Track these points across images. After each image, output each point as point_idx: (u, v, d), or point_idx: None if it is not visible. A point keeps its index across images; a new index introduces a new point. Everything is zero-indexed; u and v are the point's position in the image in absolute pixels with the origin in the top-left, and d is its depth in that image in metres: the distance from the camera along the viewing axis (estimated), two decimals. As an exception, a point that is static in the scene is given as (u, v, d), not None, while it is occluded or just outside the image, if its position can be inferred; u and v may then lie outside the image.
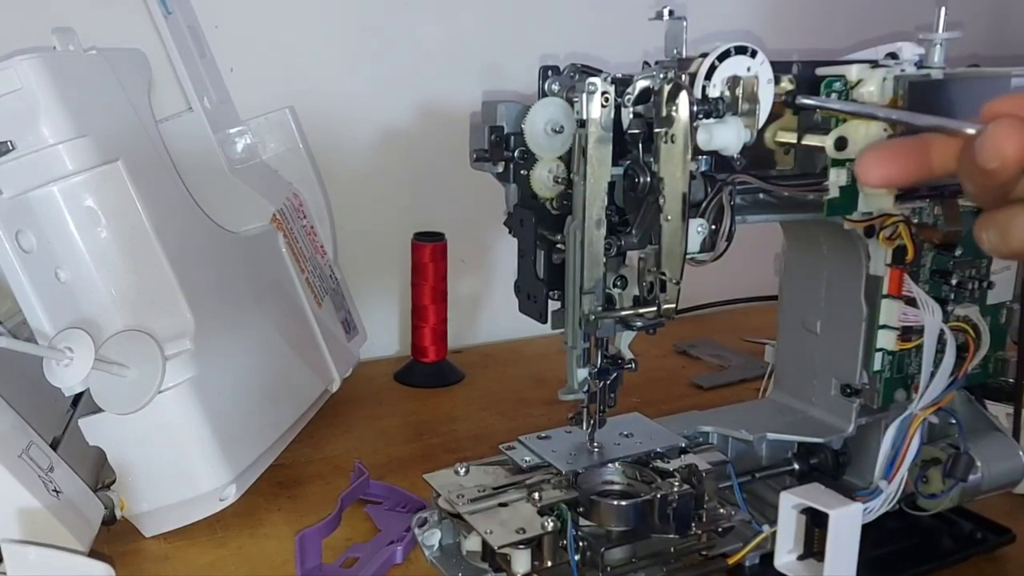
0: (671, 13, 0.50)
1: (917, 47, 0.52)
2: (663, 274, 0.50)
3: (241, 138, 0.81)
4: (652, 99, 0.47)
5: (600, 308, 0.51)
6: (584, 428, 0.58)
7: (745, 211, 0.52)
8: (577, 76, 0.50)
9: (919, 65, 0.52)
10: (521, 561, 0.51)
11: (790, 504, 0.53)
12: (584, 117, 0.48)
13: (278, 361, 0.71)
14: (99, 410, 0.58)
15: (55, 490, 0.55)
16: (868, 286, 0.57)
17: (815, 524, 0.52)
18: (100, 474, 0.64)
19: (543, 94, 0.52)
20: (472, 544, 0.55)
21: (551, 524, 0.52)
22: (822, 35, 1.16)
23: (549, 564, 0.52)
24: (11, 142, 0.55)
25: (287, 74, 0.89)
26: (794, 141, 0.51)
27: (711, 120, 0.47)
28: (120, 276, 0.57)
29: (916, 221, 0.56)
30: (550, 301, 0.54)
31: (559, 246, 0.52)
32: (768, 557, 0.55)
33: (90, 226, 0.56)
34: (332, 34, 0.91)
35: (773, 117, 0.50)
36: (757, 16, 1.11)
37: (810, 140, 0.50)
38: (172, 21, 0.74)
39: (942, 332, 0.56)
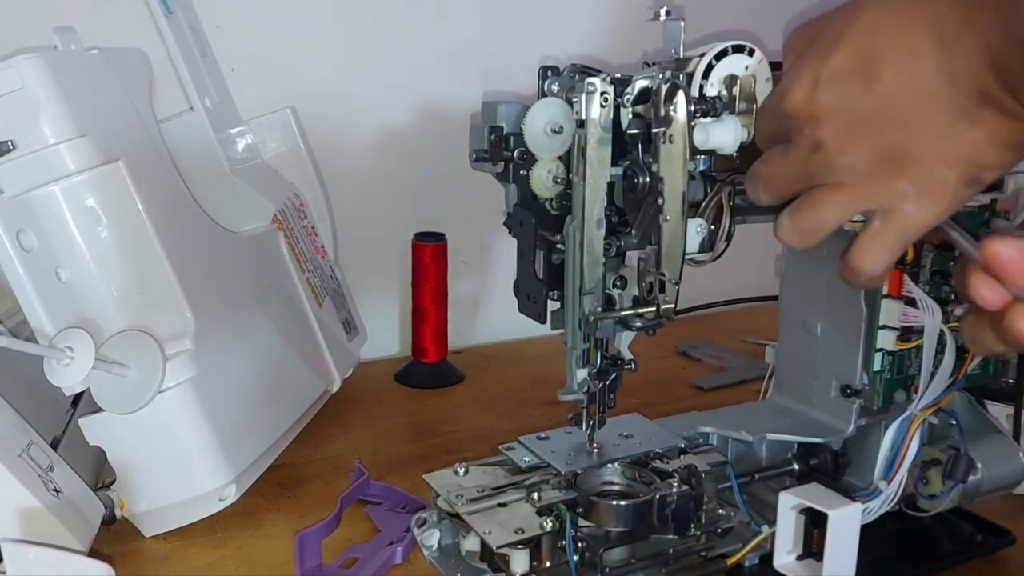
0: (668, 13, 0.50)
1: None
2: (663, 274, 0.50)
3: (242, 138, 0.81)
4: (651, 99, 0.47)
5: (600, 308, 0.51)
6: (584, 429, 0.58)
7: (745, 211, 0.52)
8: (576, 76, 0.50)
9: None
10: (520, 561, 0.51)
11: (789, 504, 0.53)
12: (583, 117, 0.49)
13: (278, 361, 0.71)
14: (99, 410, 0.58)
15: (55, 490, 0.55)
16: (868, 286, 0.57)
17: (814, 524, 0.52)
18: (100, 474, 0.64)
19: (543, 94, 0.52)
20: (471, 544, 0.55)
21: (550, 524, 0.52)
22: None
23: (548, 564, 0.52)
24: (12, 142, 0.55)
25: (288, 74, 0.89)
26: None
27: (708, 119, 0.47)
28: (120, 276, 0.58)
29: (916, 222, 0.56)
30: (550, 301, 0.54)
31: (559, 246, 0.52)
32: (767, 558, 0.55)
33: (91, 226, 0.57)
34: (333, 34, 0.91)
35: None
36: (756, 16, 1.11)
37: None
38: (173, 21, 0.74)
39: (942, 333, 0.56)
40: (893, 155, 0.38)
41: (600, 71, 0.50)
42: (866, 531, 0.52)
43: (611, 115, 0.49)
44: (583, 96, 0.48)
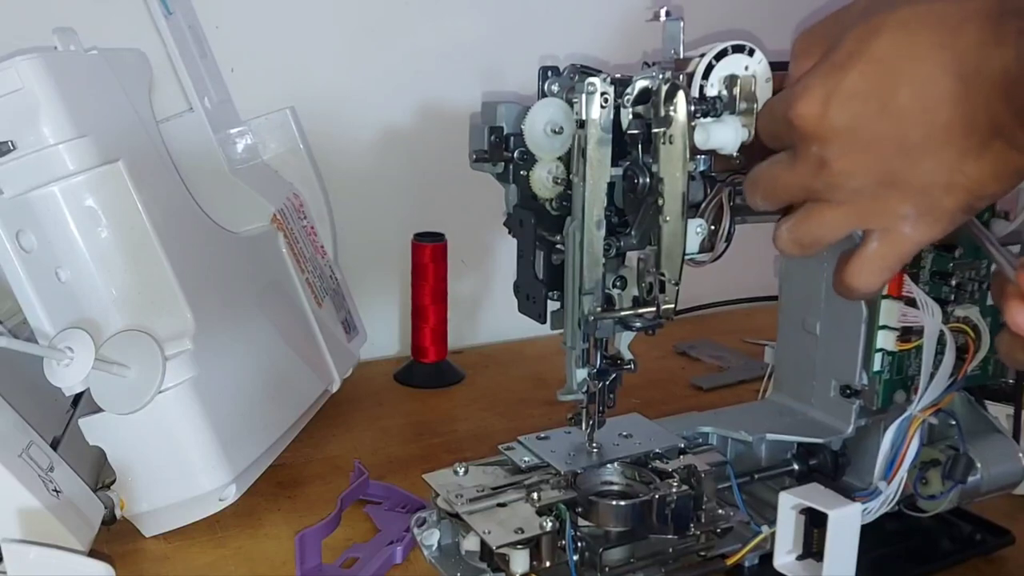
0: (668, 13, 0.50)
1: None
2: (662, 275, 0.50)
3: (242, 138, 0.81)
4: (651, 99, 0.47)
5: (599, 309, 0.51)
6: (583, 429, 0.58)
7: (745, 211, 0.52)
8: (576, 77, 0.50)
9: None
10: (519, 561, 0.51)
11: (789, 504, 0.53)
12: (583, 118, 0.48)
13: (278, 361, 0.71)
14: (99, 410, 0.58)
15: (55, 490, 0.55)
16: (867, 287, 0.57)
17: (814, 524, 0.52)
18: (100, 474, 0.64)
19: (543, 95, 0.52)
20: (471, 544, 0.55)
21: (549, 524, 0.52)
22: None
23: (547, 564, 0.52)
24: (11, 142, 0.55)
25: (288, 74, 0.89)
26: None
27: (708, 119, 0.47)
28: (120, 276, 0.58)
29: (916, 222, 0.56)
30: (549, 301, 0.54)
31: (558, 247, 0.52)
32: (767, 558, 0.55)
33: (90, 226, 0.56)
34: (332, 34, 0.91)
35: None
36: (756, 16, 1.11)
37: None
38: (173, 21, 0.74)
39: (942, 333, 0.56)
40: (898, 180, 0.38)
41: (600, 71, 0.50)
42: (866, 531, 0.52)
43: (611, 115, 0.49)
44: (583, 96, 0.48)
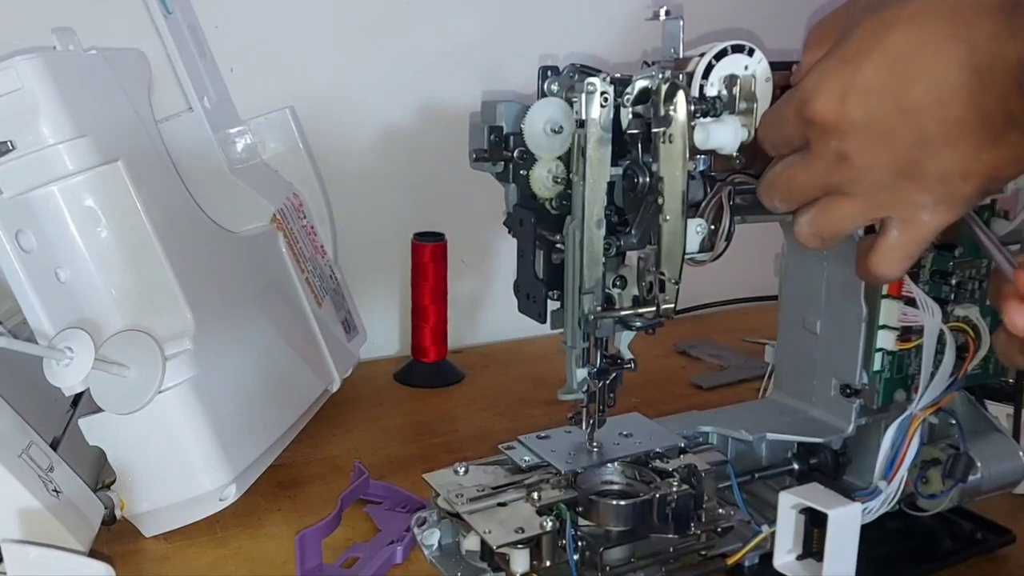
0: (667, 13, 0.50)
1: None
2: (662, 274, 0.50)
3: (241, 138, 0.81)
4: (650, 99, 0.47)
5: (599, 308, 0.51)
6: (583, 428, 0.58)
7: (744, 211, 0.52)
8: (576, 76, 0.50)
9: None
10: (520, 561, 0.51)
11: (789, 504, 0.53)
12: (583, 117, 0.49)
13: (278, 361, 0.71)
14: (99, 410, 0.58)
15: (55, 490, 0.55)
16: (868, 286, 0.57)
17: (814, 524, 0.52)
18: (100, 474, 0.64)
19: (542, 94, 0.52)
20: (471, 544, 0.55)
21: (550, 524, 0.52)
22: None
23: (548, 564, 0.52)
24: (11, 142, 0.55)
25: (287, 74, 0.89)
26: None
27: (708, 119, 0.47)
28: (120, 276, 0.57)
29: (916, 221, 0.56)
30: (549, 301, 0.54)
31: (558, 246, 0.52)
32: (767, 557, 0.55)
33: (90, 226, 0.56)
34: (332, 34, 0.91)
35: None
36: (756, 15, 1.11)
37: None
38: (172, 21, 0.74)
39: (942, 332, 0.56)
40: (916, 172, 0.39)
41: (600, 71, 0.50)
42: (866, 531, 0.52)
43: (611, 115, 0.49)
44: (583, 96, 0.48)
